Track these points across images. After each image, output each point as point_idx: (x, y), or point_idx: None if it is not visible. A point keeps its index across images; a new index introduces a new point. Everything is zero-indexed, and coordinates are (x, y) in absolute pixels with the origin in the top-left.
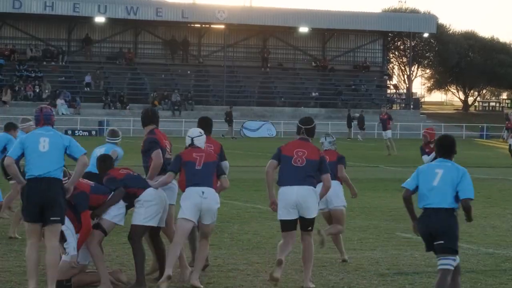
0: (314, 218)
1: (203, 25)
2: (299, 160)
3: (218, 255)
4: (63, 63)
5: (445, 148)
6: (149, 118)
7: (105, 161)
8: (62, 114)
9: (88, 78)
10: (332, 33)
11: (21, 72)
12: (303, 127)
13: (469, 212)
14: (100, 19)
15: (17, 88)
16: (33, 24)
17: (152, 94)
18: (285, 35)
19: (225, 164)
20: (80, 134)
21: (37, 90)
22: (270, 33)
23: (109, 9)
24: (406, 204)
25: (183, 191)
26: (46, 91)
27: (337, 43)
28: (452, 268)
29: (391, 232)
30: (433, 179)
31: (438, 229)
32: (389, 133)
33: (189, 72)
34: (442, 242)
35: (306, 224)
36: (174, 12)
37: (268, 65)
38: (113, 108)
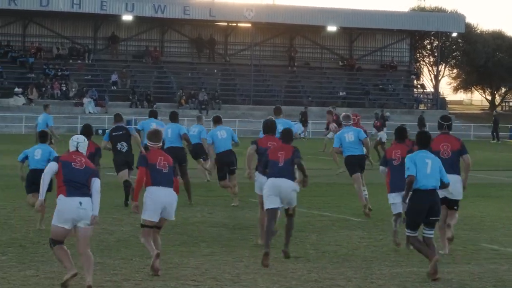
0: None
1: (230, 24)
2: (445, 153)
3: (309, 268)
4: (90, 62)
5: (425, 142)
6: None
7: None
8: (89, 112)
9: (114, 77)
10: (359, 32)
11: (47, 70)
12: (445, 123)
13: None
14: (127, 17)
15: (43, 87)
16: (60, 22)
17: (178, 93)
18: (312, 34)
19: None
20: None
21: (64, 89)
22: (297, 32)
23: (136, 7)
24: (410, 186)
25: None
26: (73, 89)
27: (364, 42)
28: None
29: (476, 243)
30: (427, 166)
31: (435, 206)
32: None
33: (215, 71)
34: (437, 217)
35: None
36: (202, 10)
37: (295, 64)
38: (140, 107)
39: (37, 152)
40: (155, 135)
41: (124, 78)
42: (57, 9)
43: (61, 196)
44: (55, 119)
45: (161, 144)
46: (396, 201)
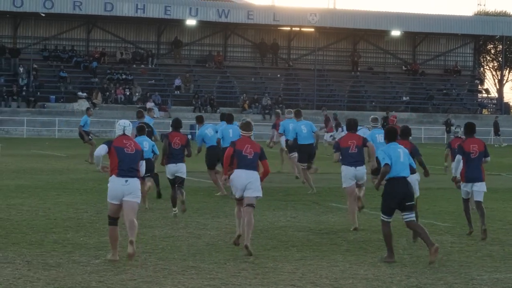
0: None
1: (293, 28)
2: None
3: (407, 273)
4: (153, 66)
5: (393, 135)
6: None
7: None
8: (153, 117)
9: (177, 81)
10: (423, 36)
11: (111, 75)
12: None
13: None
14: (191, 22)
15: (107, 91)
16: (123, 27)
17: (242, 97)
18: (375, 39)
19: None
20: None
21: (128, 93)
22: (360, 37)
23: (200, 12)
24: (384, 175)
25: None
26: (137, 94)
27: (428, 46)
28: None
29: None
30: (399, 157)
31: (409, 192)
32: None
33: (278, 75)
34: (412, 202)
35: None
36: (266, 15)
37: (358, 68)
38: (203, 111)
39: (145, 144)
40: (247, 125)
41: (187, 83)
42: (121, 14)
43: (113, 177)
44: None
45: (251, 133)
46: (467, 189)
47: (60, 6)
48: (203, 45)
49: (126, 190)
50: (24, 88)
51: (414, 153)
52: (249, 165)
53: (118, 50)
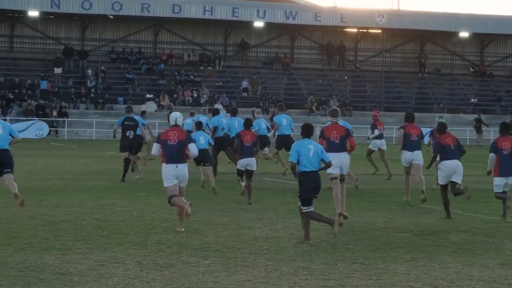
0: None
1: (360, 30)
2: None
3: None
4: (220, 68)
5: (309, 131)
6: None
7: None
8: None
9: (245, 83)
10: (491, 38)
11: (179, 77)
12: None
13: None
14: (258, 24)
15: (175, 93)
16: (190, 29)
17: (309, 99)
18: (442, 40)
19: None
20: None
21: (195, 95)
22: (427, 38)
23: (268, 14)
24: (293, 170)
25: None
26: (204, 95)
27: (496, 48)
28: None
29: None
30: (309, 152)
31: (318, 184)
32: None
33: (345, 77)
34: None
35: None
36: (333, 16)
37: (426, 70)
38: (271, 113)
39: (201, 138)
40: (335, 111)
41: (254, 85)
42: (189, 16)
43: (163, 164)
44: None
45: (337, 119)
46: (499, 184)
47: (128, 8)
48: (269, 47)
49: (177, 174)
50: (93, 90)
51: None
52: (338, 147)
53: (185, 52)
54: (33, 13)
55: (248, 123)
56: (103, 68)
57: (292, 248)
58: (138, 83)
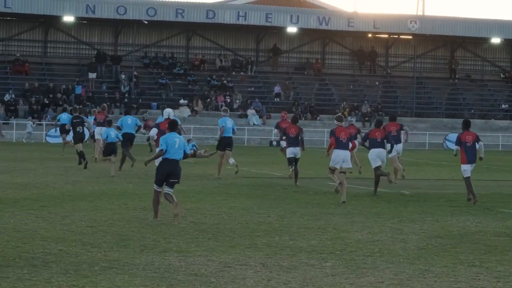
0: None
1: (391, 36)
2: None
3: None
4: (252, 73)
5: (173, 127)
6: None
7: None
8: (254, 124)
9: (277, 89)
10: None
11: (211, 82)
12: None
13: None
14: (292, 29)
15: (208, 98)
16: (222, 34)
17: (342, 105)
18: (473, 46)
19: None
20: (273, 145)
21: (228, 100)
22: (458, 44)
23: (301, 19)
24: (159, 155)
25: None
26: (237, 101)
27: None
28: None
29: None
30: (175, 143)
31: (176, 171)
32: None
33: (377, 83)
34: (176, 180)
35: None
36: (366, 22)
37: (456, 76)
38: (303, 119)
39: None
40: (340, 117)
41: (287, 90)
42: (223, 21)
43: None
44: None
45: (342, 123)
46: (467, 169)
47: (162, 13)
48: (301, 52)
49: None
50: (126, 95)
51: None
52: (344, 146)
53: (218, 58)
54: (68, 18)
55: (295, 120)
56: (135, 73)
57: (402, 251)
58: (173, 89)
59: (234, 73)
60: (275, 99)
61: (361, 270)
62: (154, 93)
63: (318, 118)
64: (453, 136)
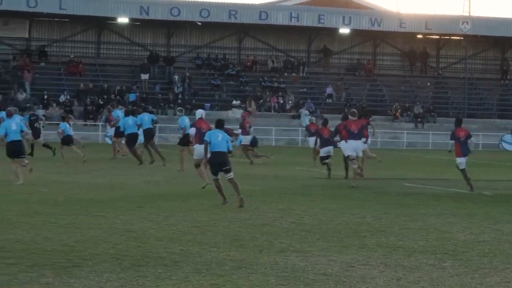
0: None
1: (442, 37)
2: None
3: None
4: (304, 74)
5: (218, 124)
6: None
7: None
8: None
9: (329, 90)
10: None
11: (264, 83)
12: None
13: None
14: (344, 30)
15: (260, 99)
16: (274, 35)
17: (394, 106)
18: None
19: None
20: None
21: (281, 101)
22: (510, 45)
23: (353, 20)
24: (206, 149)
25: None
26: (290, 102)
27: None
28: None
29: None
30: (218, 137)
31: (223, 161)
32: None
33: (428, 84)
34: (228, 167)
35: None
36: (418, 23)
37: (507, 77)
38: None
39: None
40: (354, 112)
41: (339, 91)
42: (275, 23)
43: (196, 144)
44: (273, 131)
45: (356, 118)
46: (462, 161)
47: (216, 14)
48: (352, 53)
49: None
50: (180, 96)
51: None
52: (356, 136)
53: (269, 59)
54: (123, 20)
55: (326, 122)
56: (188, 74)
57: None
58: (226, 89)
59: (286, 74)
60: (327, 100)
61: (482, 270)
62: (207, 94)
63: (370, 118)
64: (508, 137)
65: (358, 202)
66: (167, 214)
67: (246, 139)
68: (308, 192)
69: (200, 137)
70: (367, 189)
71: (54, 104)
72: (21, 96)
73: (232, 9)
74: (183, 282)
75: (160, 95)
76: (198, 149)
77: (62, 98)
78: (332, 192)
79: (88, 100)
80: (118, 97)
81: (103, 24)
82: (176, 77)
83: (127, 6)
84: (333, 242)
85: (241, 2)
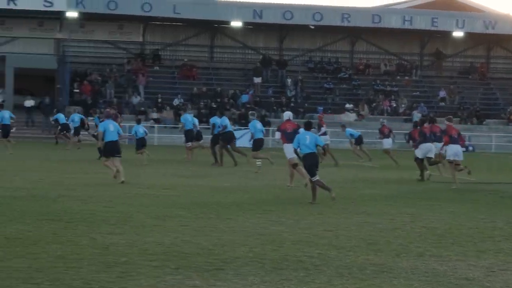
0: None
1: None
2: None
3: None
4: (416, 78)
5: (307, 125)
6: None
7: None
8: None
9: (442, 93)
10: None
11: (376, 86)
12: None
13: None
14: (458, 34)
15: (373, 103)
16: (386, 39)
17: (508, 109)
18: None
19: None
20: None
21: (394, 105)
22: None
23: (467, 24)
24: (296, 153)
25: None
26: (402, 105)
27: None
28: None
29: None
30: (306, 140)
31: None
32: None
33: None
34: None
35: None
36: None
37: None
38: (469, 123)
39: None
40: (450, 118)
41: (452, 95)
42: (388, 26)
43: (285, 144)
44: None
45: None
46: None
47: (328, 18)
48: (465, 57)
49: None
50: (292, 99)
51: None
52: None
53: (382, 62)
54: (236, 24)
55: (423, 122)
56: (300, 77)
57: None
58: (339, 93)
59: (398, 77)
60: (440, 103)
61: None
62: (319, 98)
63: (484, 122)
64: None
65: (486, 207)
66: (298, 218)
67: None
68: (433, 196)
69: (286, 137)
70: (493, 193)
71: (168, 108)
72: (136, 99)
73: (345, 13)
74: (327, 286)
75: (272, 99)
76: (288, 148)
77: (175, 102)
78: (456, 196)
79: (202, 103)
80: (231, 100)
81: (216, 28)
82: (289, 80)
83: (241, 10)
84: (467, 247)
85: (353, 5)
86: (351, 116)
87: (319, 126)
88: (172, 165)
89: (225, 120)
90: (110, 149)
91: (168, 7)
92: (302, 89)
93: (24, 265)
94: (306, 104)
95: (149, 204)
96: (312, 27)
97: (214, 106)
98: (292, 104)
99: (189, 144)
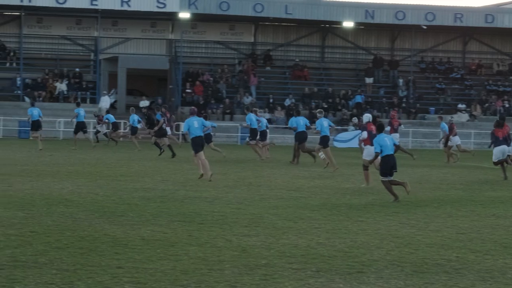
0: None
1: None
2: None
3: None
4: None
5: (380, 128)
6: None
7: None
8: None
9: None
10: None
11: (488, 87)
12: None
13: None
14: None
15: (486, 103)
16: (499, 39)
17: None
18: None
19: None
20: None
21: (507, 105)
22: None
23: None
24: (376, 156)
25: None
26: None
27: None
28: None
29: None
30: (386, 142)
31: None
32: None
33: None
34: (396, 170)
35: None
36: None
37: None
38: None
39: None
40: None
41: None
42: (501, 25)
43: (367, 146)
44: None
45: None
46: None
47: (441, 18)
48: None
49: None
50: (404, 100)
51: None
52: (503, 142)
53: (494, 62)
54: (348, 24)
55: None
56: (412, 78)
57: None
58: (451, 93)
59: (511, 77)
60: None
61: None
62: (431, 98)
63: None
64: None
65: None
66: (427, 220)
67: (394, 137)
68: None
69: (371, 139)
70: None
71: (279, 108)
72: (247, 100)
73: (458, 12)
74: None
75: (384, 99)
76: (369, 150)
77: (287, 102)
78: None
79: (313, 103)
80: (342, 100)
81: (327, 28)
82: (401, 80)
83: (353, 10)
84: None
85: (466, 5)
86: (463, 117)
87: (391, 126)
88: (286, 166)
89: (299, 120)
90: (196, 144)
91: (280, 8)
92: (414, 89)
93: (168, 267)
94: (418, 105)
95: (277, 206)
96: (425, 28)
97: (325, 106)
98: (403, 105)
99: (253, 141)
